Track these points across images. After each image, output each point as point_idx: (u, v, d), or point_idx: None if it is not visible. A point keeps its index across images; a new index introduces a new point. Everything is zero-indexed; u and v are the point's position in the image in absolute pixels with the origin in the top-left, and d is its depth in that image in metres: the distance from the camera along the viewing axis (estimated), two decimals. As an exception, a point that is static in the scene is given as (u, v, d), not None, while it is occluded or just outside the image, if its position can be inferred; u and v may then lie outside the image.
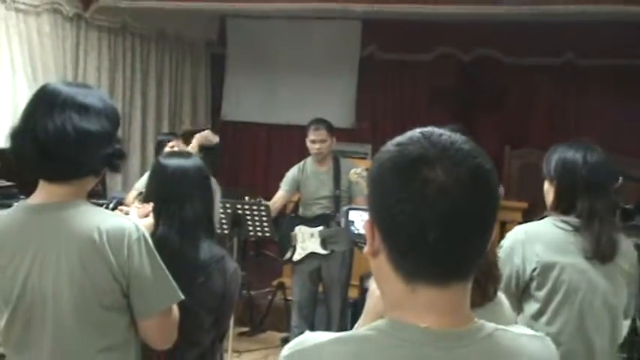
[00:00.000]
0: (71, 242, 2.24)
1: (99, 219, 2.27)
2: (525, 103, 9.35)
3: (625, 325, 3.12)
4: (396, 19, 8.82)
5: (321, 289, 6.39)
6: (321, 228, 6.15)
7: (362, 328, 1.35)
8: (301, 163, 6.41)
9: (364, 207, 1.33)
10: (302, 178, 6.30)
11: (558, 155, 3.07)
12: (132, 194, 5.67)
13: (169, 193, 2.83)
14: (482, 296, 2.18)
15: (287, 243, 6.24)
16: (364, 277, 6.33)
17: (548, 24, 8.27)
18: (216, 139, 6.08)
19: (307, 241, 6.18)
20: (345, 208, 5.96)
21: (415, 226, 1.24)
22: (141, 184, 5.60)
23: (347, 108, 9.48)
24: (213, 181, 5.43)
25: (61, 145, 2.23)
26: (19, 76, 7.33)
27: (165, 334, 2.40)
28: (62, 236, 2.26)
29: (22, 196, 5.82)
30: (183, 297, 2.39)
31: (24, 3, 7.26)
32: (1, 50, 7.13)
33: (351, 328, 1.51)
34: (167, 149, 5.73)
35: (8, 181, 6.18)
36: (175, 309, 2.40)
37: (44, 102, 2.29)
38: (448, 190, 1.23)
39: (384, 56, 9.65)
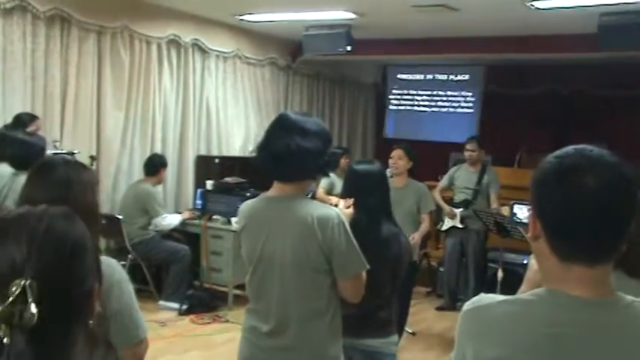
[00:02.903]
0: (293, 223, 2.24)
1: (312, 208, 2.25)
2: (609, 124, 8.75)
3: None
4: (509, 65, 8.58)
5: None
6: (461, 209, 6.12)
7: (524, 294, 1.24)
8: (459, 164, 6.43)
9: (526, 202, 1.22)
10: (455, 175, 6.29)
11: None
12: (320, 189, 5.88)
13: (359, 189, 2.79)
14: None
15: (439, 218, 6.40)
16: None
17: (625, 65, 7.70)
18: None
19: (451, 217, 6.24)
20: (511, 202, 5.84)
21: (570, 220, 1.14)
22: (324, 182, 5.78)
23: (473, 128, 9.19)
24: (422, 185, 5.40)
25: (288, 158, 2.22)
26: (249, 108, 7.61)
27: (356, 291, 2.33)
28: (287, 219, 2.26)
29: (251, 189, 6.00)
30: (368, 266, 2.30)
31: (253, 59, 7.54)
32: (237, 91, 7.44)
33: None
34: (342, 160, 5.84)
35: (242, 179, 6.41)
36: (364, 274, 2.33)
37: (278, 126, 2.29)
38: (596, 193, 1.12)
39: (501, 91, 9.30)
